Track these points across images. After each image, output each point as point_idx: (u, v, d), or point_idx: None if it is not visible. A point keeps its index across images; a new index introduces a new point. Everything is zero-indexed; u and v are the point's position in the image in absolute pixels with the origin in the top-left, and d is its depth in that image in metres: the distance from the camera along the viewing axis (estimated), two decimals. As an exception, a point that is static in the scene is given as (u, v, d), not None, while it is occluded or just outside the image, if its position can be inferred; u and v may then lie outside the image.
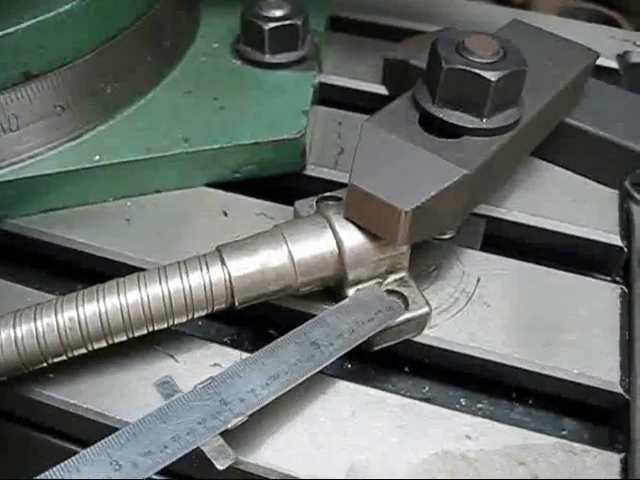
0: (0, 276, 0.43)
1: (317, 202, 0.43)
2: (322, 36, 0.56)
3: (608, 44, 0.62)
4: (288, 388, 0.34)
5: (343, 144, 0.51)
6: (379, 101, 0.54)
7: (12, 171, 0.44)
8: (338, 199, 0.43)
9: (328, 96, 0.56)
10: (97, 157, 0.45)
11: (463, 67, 0.37)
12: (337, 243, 0.38)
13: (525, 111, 0.40)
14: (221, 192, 0.48)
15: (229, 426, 0.33)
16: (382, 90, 0.56)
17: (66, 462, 0.31)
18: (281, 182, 0.49)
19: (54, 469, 0.30)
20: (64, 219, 0.45)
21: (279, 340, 0.36)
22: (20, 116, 0.43)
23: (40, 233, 0.45)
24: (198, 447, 0.32)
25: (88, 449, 0.31)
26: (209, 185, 0.48)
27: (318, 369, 0.35)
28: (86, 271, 0.45)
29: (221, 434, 0.33)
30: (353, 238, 0.38)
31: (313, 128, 0.51)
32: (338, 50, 0.60)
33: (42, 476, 0.30)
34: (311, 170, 0.49)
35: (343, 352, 0.36)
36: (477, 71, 0.37)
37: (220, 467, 0.32)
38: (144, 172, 0.46)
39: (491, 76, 0.37)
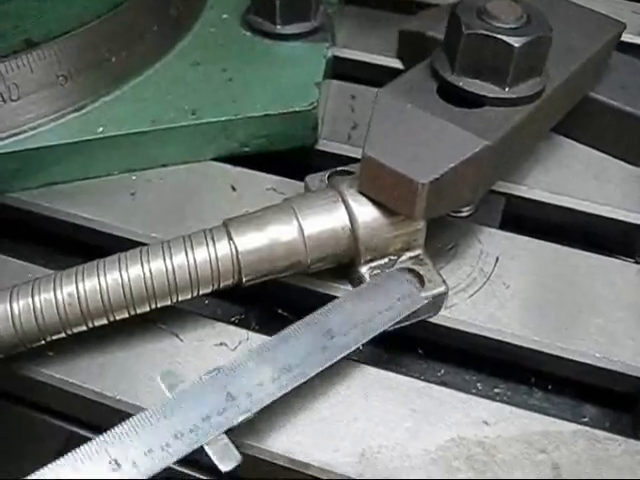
0: (1, 252, 0.41)
1: (329, 176, 0.41)
2: (336, 7, 0.54)
3: (631, 19, 0.59)
4: (297, 383, 0.32)
5: (357, 118, 0.49)
6: (394, 75, 0.53)
7: (13, 142, 0.42)
8: (350, 173, 0.41)
9: (342, 70, 0.54)
10: (101, 129, 0.43)
11: (485, 32, 0.35)
12: (350, 218, 0.36)
13: (549, 81, 0.38)
14: (229, 166, 0.46)
15: (234, 423, 0.31)
16: (397, 64, 0.54)
17: (63, 459, 0.29)
18: (292, 157, 0.47)
19: (50, 466, 0.28)
20: (67, 193, 0.44)
21: (292, 327, 0.34)
22: (21, 85, 0.41)
23: (42, 207, 0.43)
24: (201, 446, 0.30)
25: (86, 445, 0.29)
26: (217, 159, 0.46)
27: (330, 363, 0.33)
28: (90, 247, 0.43)
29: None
30: (367, 213, 0.36)
31: (326, 101, 0.49)
32: (352, 23, 0.57)
33: (37, 474, 0.28)
34: (323, 145, 0.47)
35: (358, 345, 0.34)
36: (500, 36, 0.35)
37: (224, 469, 0.30)
38: (150, 145, 0.44)
39: (514, 42, 0.34)
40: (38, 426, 0.40)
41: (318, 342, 0.34)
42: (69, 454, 0.29)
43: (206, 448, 0.30)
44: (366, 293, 0.36)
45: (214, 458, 0.30)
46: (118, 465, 0.29)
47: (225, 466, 0.30)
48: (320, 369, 0.33)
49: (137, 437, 0.30)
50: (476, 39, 0.35)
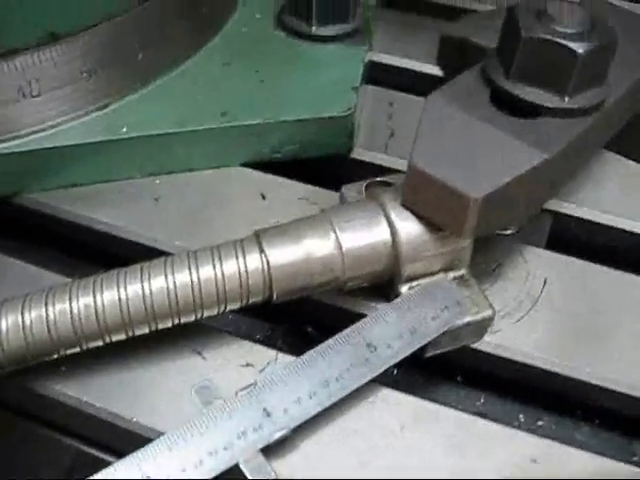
0: (14, 256, 0.39)
1: (366, 187, 0.38)
2: (373, 10, 0.52)
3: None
4: (337, 398, 0.31)
5: (394, 126, 0.46)
6: (433, 82, 0.50)
7: (31, 141, 0.40)
8: (388, 184, 0.38)
9: (378, 76, 0.51)
10: (125, 129, 0.41)
11: (545, 36, 0.32)
12: (392, 233, 0.33)
13: (610, 91, 0.35)
14: (259, 173, 0.43)
15: (270, 440, 0.30)
16: (436, 71, 0.52)
17: (94, 476, 0.28)
18: (325, 165, 0.44)
19: None
20: (86, 196, 0.41)
21: (330, 341, 0.32)
22: (42, 80, 0.39)
23: (59, 210, 0.41)
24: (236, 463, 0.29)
25: (119, 462, 0.29)
26: (246, 165, 0.44)
27: (373, 375, 0.32)
28: (108, 254, 0.41)
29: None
30: (410, 228, 0.33)
31: (362, 108, 0.47)
32: (390, 27, 0.55)
33: None
34: (358, 153, 0.45)
35: (403, 356, 0.32)
36: (562, 42, 0.32)
37: None
38: (176, 147, 0.42)
39: (578, 48, 0.32)
40: (49, 443, 0.37)
41: (359, 355, 0.32)
42: (101, 471, 0.28)
43: (241, 466, 0.29)
44: (409, 302, 0.34)
45: (248, 475, 0.29)
46: None
47: None
48: (361, 383, 0.32)
49: (170, 454, 0.29)
50: (535, 44, 0.32)
